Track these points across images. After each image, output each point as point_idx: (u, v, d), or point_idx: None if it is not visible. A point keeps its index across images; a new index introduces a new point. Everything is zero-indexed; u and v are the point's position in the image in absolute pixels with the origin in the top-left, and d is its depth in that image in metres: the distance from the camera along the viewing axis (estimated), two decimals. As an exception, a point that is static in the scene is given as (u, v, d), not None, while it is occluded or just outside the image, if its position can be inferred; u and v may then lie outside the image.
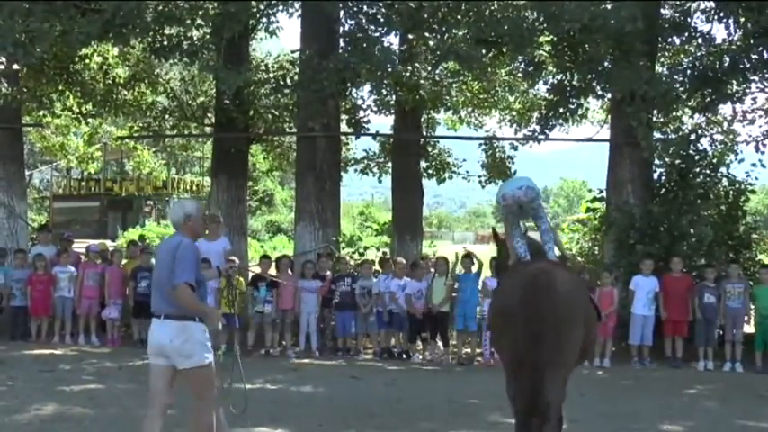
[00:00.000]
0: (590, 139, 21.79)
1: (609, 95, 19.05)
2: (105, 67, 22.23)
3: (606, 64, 18.07)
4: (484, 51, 17.81)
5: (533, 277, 7.88)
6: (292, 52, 20.61)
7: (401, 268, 17.24)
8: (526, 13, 17.81)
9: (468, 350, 16.91)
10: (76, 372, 13.95)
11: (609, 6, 17.04)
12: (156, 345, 7.89)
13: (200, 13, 18.08)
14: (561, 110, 19.29)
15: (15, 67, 17.69)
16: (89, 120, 24.35)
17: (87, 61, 21.80)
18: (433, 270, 17.31)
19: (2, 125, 19.54)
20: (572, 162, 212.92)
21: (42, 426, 10.20)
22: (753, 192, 19.11)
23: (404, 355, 16.83)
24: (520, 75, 21.32)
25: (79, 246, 20.71)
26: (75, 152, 31.09)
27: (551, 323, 7.58)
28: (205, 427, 7.90)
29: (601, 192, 19.88)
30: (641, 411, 12.12)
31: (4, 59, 16.74)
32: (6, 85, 18.24)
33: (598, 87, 18.59)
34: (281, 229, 52.32)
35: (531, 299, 7.65)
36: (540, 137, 20.13)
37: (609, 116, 20.97)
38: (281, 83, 19.87)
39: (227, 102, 19.64)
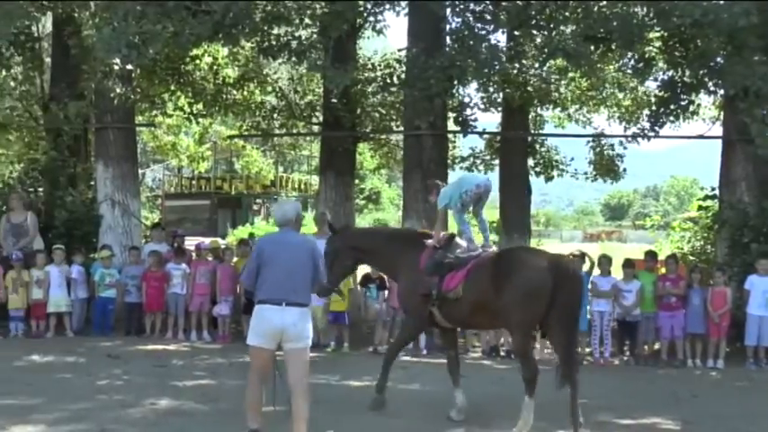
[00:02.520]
0: (701, 136, 21.32)
1: (721, 92, 18.65)
2: (215, 67, 22.60)
3: (718, 59, 17.71)
4: (592, 48, 17.56)
5: (565, 262, 10.69)
6: (399, 51, 20.65)
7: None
8: (635, 9, 17.51)
9: (578, 349, 16.73)
10: (189, 367, 14.19)
11: (721, 1, 16.69)
12: (277, 328, 8.79)
13: (307, 12, 18.23)
14: (672, 106, 18.94)
15: (129, 67, 18.03)
16: (199, 119, 24.75)
17: (198, 62, 22.17)
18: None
19: (116, 125, 19.94)
20: (683, 159, 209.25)
21: (157, 419, 10.40)
22: None
23: (512, 354, 16.72)
24: (629, 71, 20.95)
25: (190, 243, 21.01)
26: (186, 151, 31.69)
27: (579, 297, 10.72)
28: (308, 403, 8.89)
29: (713, 189, 19.50)
30: (756, 413, 11.88)
31: (118, 60, 17.06)
32: (121, 85, 18.61)
33: (710, 83, 18.20)
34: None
35: (570, 277, 10.26)
36: (650, 134, 19.80)
37: (721, 112, 20.55)
38: (388, 81, 19.94)
39: (335, 100, 19.75)
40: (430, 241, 11.19)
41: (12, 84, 22.11)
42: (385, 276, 17.31)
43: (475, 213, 11.72)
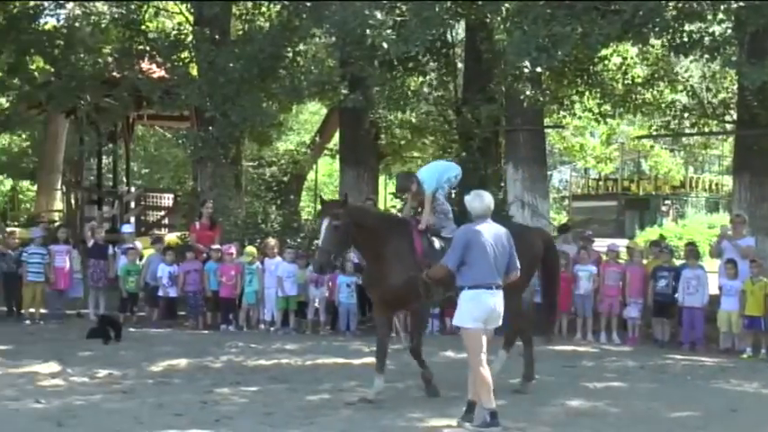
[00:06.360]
0: None
1: None
2: (624, 66, 22.48)
3: None
4: None
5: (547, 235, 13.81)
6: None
7: None
8: None
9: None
10: (598, 369, 14.15)
11: None
12: (491, 310, 9.76)
13: (722, 7, 17.63)
14: None
15: (538, 70, 18.21)
16: (607, 120, 24.68)
17: (606, 62, 22.16)
18: None
19: (526, 127, 20.24)
20: None
21: (567, 419, 10.48)
22: None
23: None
24: None
25: (599, 245, 20.81)
26: (593, 152, 31.68)
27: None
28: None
29: None
30: None
31: (528, 63, 17.29)
32: (530, 87, 18.87)
33: None
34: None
35: (553, 247, 13.25)
36: None
37: None
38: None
39: (750, 97, 19.02)
40: (420, 226, 11.77)
41: (426, 89, 23.08)
42: None
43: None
